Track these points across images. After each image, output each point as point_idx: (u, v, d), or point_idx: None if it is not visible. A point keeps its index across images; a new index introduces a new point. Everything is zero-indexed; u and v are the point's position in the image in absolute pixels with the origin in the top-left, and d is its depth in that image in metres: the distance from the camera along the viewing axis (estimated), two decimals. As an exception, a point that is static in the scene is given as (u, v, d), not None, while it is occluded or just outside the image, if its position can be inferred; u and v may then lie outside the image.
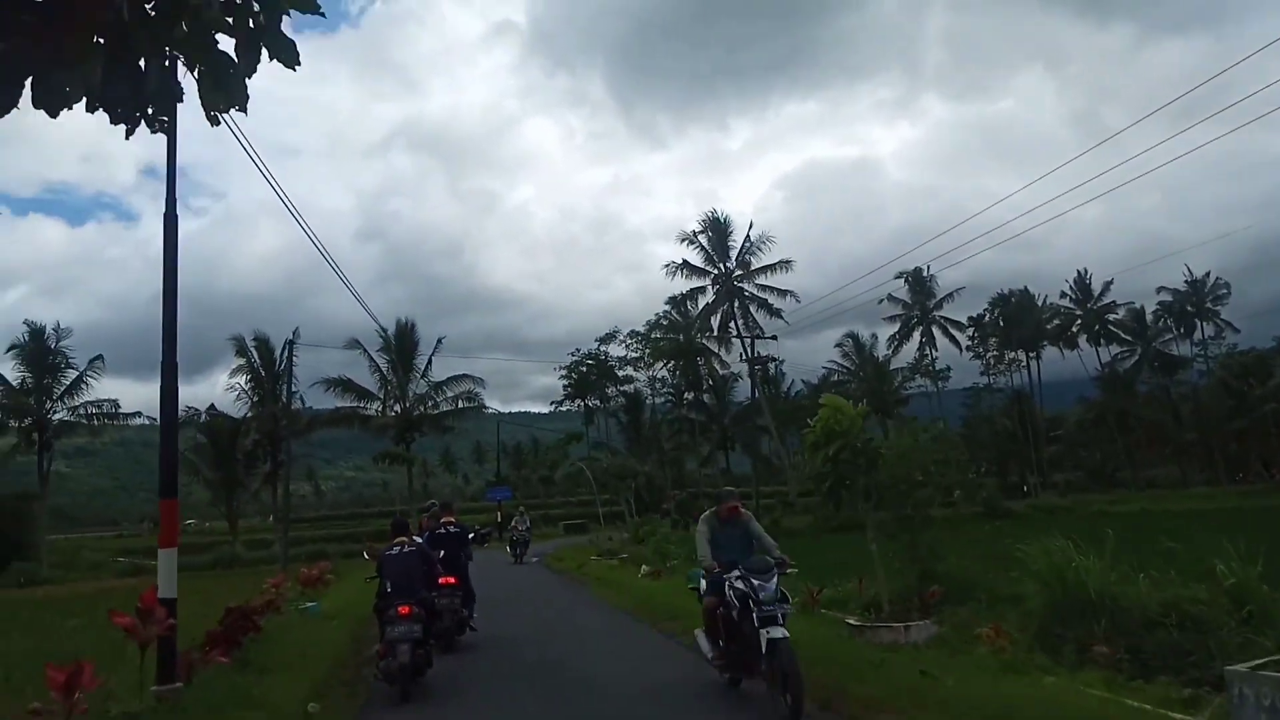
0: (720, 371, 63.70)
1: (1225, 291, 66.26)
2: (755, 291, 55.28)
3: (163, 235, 7.23)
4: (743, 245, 55.34)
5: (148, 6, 3.30)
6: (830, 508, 11.45)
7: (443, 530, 12.23)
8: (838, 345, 67.37)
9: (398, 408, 46.57)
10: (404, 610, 8.62)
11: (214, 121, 3.68)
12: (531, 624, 13.85)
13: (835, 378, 66.61)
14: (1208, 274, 66.76)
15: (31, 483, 45.41)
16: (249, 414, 45.37)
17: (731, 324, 55.69)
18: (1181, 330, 67.70)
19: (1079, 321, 68.34)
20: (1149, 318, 67.80)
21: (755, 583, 7.04)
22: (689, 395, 66.66)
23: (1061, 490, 65.38)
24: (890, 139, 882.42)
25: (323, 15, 4.09)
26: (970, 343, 70.61)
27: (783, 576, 7.39)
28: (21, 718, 5.63)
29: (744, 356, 54.60)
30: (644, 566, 20.76)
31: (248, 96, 3.61)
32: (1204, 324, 67.19)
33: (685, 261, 55.73)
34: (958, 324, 67.96)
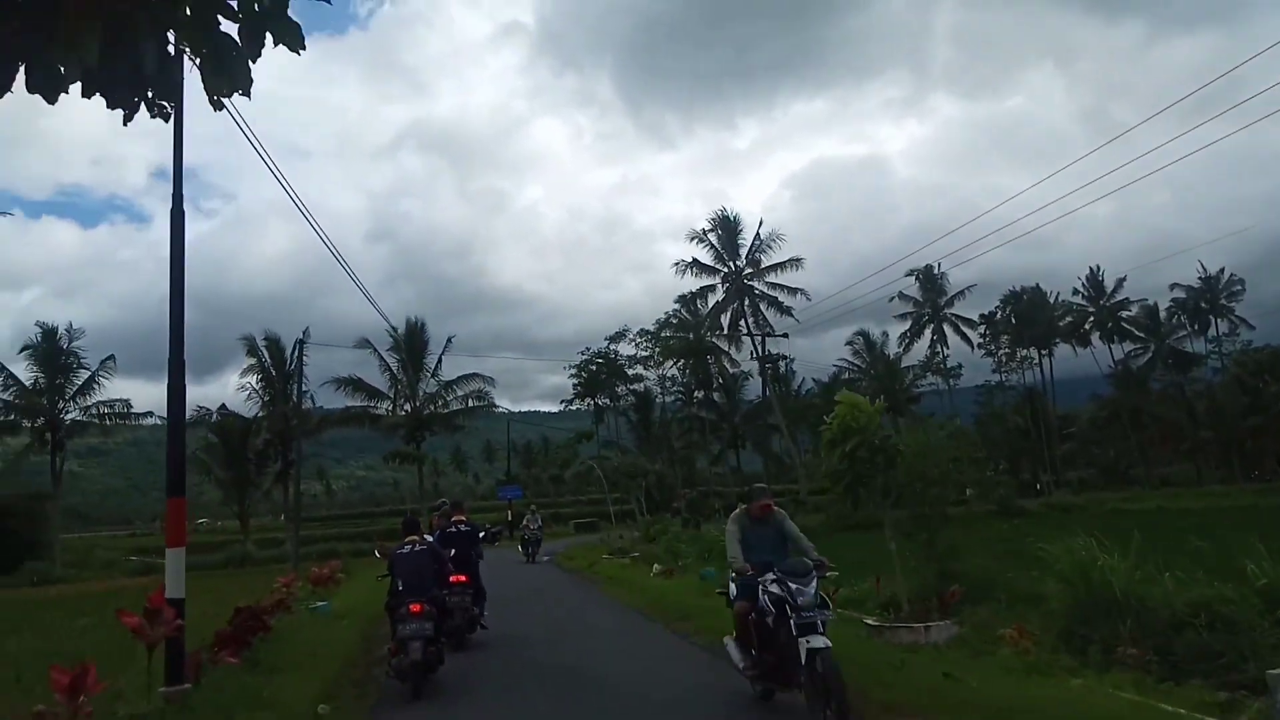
0: (730, 370, 63.57)
1: (1240, 288, 65.73)
2: (765, 290, 55.08)
3: (170, 229, 7.12)
4: (753, 243, 55.17)
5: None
6: (848, 506, 11.26)
7: (454, 529, 12.20)
8: (848, 343, 67.13)
9: (408, 407, 46.58)
10: (416, 608, 8.65)
11: (217, 106, 3.56)
12: (543, 623, 13.73)
13: (846, 375, 66.27)
14: (1222, 270, 66.26)
15: (45, 482, 45.62)
16: (260, 414, 45.42)
17: (742, 322, 55.50)
18: (1196, 327, 67.17)
19: (1091, 318, 67.86)
20: (1162, 314, 67.30)
21: (793, 586, 6.52)
22: (699, 394, 66.50)
23: (1075, 488, 64.91)
24: (899, 137, 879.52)
25: (329, 2, 3.97)
26: (982, 340, 70.18)
27: (822, 580, 6.85)
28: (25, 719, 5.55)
29: (754, 354, 54.41)
30: (655, 565, 20.62)
31: (251, 81, 3.48)
32: (1218, 320, 66.66)
33: (695, 260, 55.60)
34: (969, 321, 67.54)
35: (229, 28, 3.37)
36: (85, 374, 43.94)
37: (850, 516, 41.33)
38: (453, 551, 11.18)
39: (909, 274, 60.88)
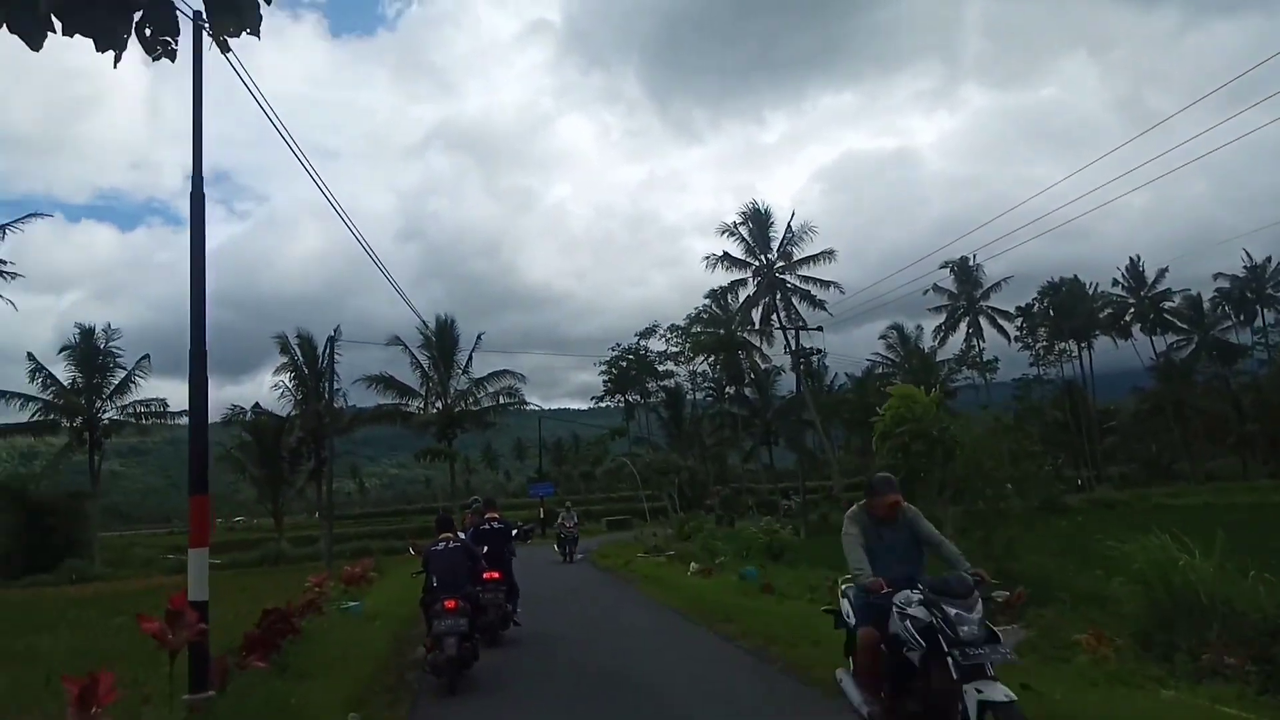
0: (762, 365, 62.86)
1: (1286, 276, 63.74)
2: (798, 283, 54.28)
3: (190, 214, 6.76)
4: (784, 236, 54.33)
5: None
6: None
7: (487, 526, 12.32)
8: (882, 337, 66.08)
9: (439, 404, 46.53)
10: (450, 604, 8.81)
11: (224, 47, 3.17)
12: (579, 622, 13.36)
13: (880, 370, 65.29)
14: (1268, 259, 64.26)
15: (85, 481, 46.17)
16: (293, 412, 45.62)
17: (774, 316, 54.77)
18: (1241, 317, 65.32)
19: (1132, 310, 66.26)
20: (1206, 305, 65.54)
21: (951, 612, 4.90)
22: (730, 389, 65.91)
23: (1116, 483, 63.42)
24: (929, 129, 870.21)
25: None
26: (1019, 333, 68.79)
27: (989, 604, 5.35)
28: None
29: (787, 349, 53.63)
30: (692, 564, 20.15)
31: (260, 18, 3.06)
32: (1264, 310, 64.77)
33: (725, 253, 54.88)
34: (1006, 314, 66.18)
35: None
36: (122, 374, 44.47)
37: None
38: (486, 549, 11.27)
39: (943, 266, 59.82)
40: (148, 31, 2.92)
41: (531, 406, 55.13)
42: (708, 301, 60.94)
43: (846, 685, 6.05)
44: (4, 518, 42.63)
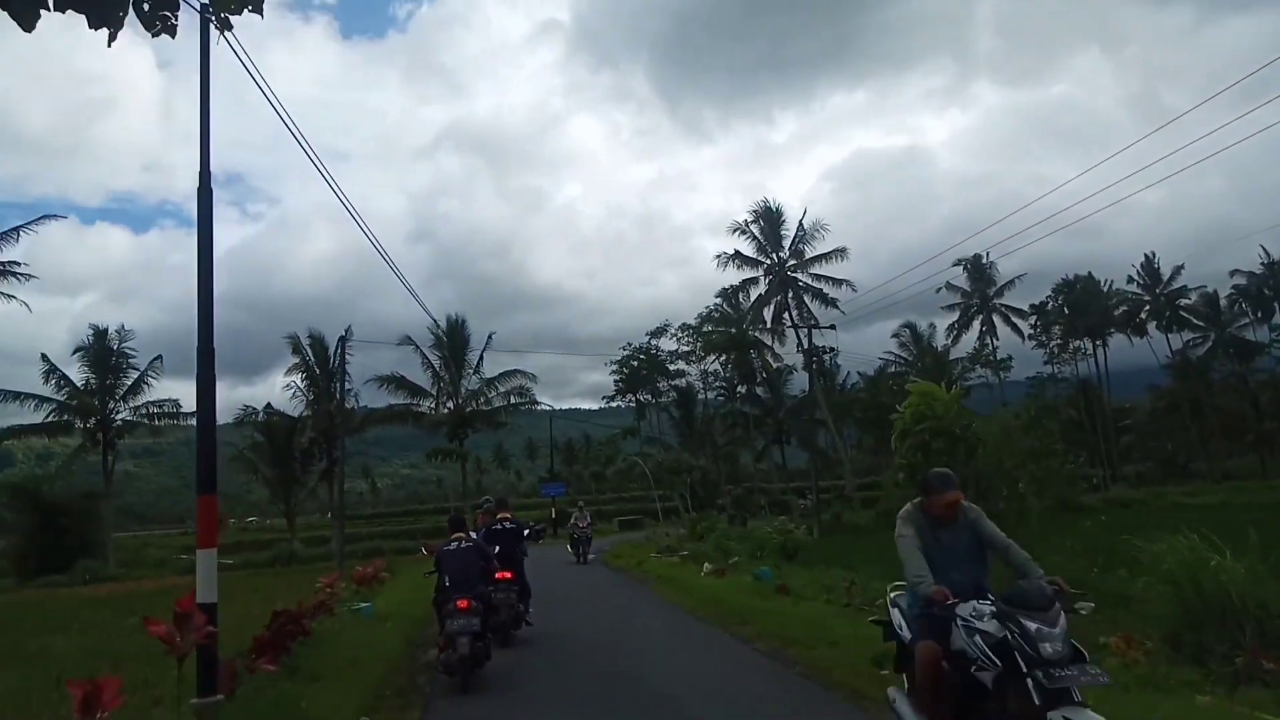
0: (774, 364, 62.61)
1: (1306, 274, 62.95)
2: (810, 281, 54.05)
3: (197, 207, 6.65)
4: (796, 234, 54.19)
5: None
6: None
7: (499, 526, 12.39)
8: (894, 335, 65.69)
9: (450, 404, 46.51)
10: (463, 604, 8.87)
11: (224, 25, 3.02)
12: (592, 624, 13.23)
13: (892, 369, 64.93)
14: (1287, 255, 63.43)
15: (99, 482, 46.36)
16: (305, 412, 45.67)
17: (785, 315, 54.53)
18: (1259, 314, 64.55)
19: (1147, 307, 65.65)
20: (1223, 302, 64.83)
21: (1031, 627, 4.28)
22: (742, 388, 65.67)
23: (1132, 482, 62.83)
24: (941, 127, 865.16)
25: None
26: (1033, 331, 68.27)
27: (1071, 614, 4.66)
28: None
29: (799, 347, 53.40)
30: (706, 565, 19.95)
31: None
32: (1282, 308, 63.98)
33: (737, 252, 54.75)
34: (1020, 312, 65.71)
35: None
36: (135, 374, 44.63)
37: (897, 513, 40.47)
38: (498, 549, 11.33)
39: (956, 263, 59.33)
40: (146, 6, 2.78)
41: (543, 406, 55.08)
42: (719, 300, 60.84)
43: (901, 707, 5.37)
44: (19, 519, 42.92)
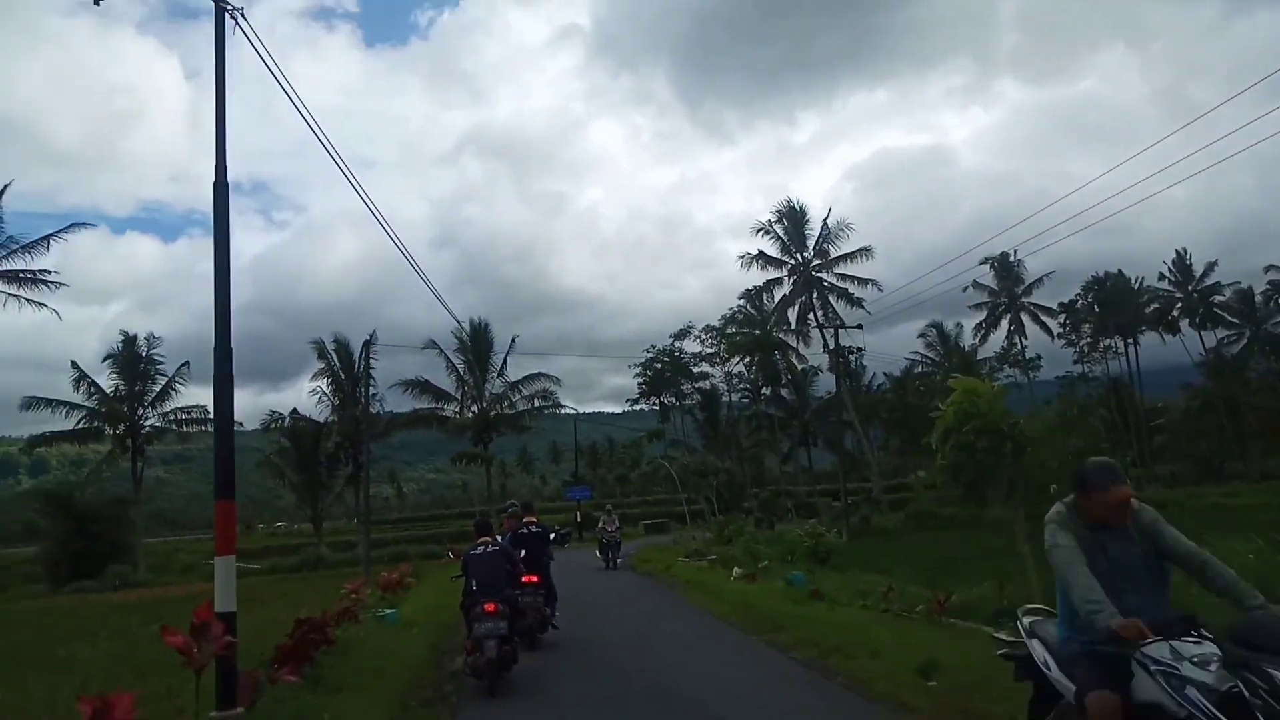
0: (799, 365, 62.07)
1: (1346, 268, 61.44)
2: (835, 281, 53.49)
3: (213, 202, 6.45)
4: (820, 233, 53.65)
5: None
6: (972, 504, 10.09)
7: (525, 530, 12.38)
8: (920, 335, 64.85)
9: (475, 408, 46.43)
10: (490, 608, 8.92)
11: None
12: (622, 630, 12.91)
13: (919, 369, 64.14)
14: (1326, 249, 62.05)
15: (130, 488, 46.78)
16: (331, 417, 45.78)
17: (810, 315, 54.00)
18: (1296, 311, 63.11)
19: (1180, 304, 64.37)
20: (1258, 298, 63.41)
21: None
22: (766, 390, 65.18)
23: (1167, 482, 61.55)
24: (964, 126, 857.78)
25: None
26: (1062, 329, 67.17)
27: None
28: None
29: (825, 348, 52.87)
30: (735, 569, 19.61)
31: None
32: (1321, 304, 62.48)
33: (761, 252, 54.28)
34: (1049, 310, 64.68)
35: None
36: (163, 381, 45.06)
37: (928, 517, 39.95)
38: (524, 553, 11.34)
39: (983, 262, 58.45)
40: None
41: (566, 410, 54.89)
42: (742, 302, 60.41)
43: None
44: (52, 525, 43.43)
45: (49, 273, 36.96)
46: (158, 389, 45.00)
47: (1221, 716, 3.22)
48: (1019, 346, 63.79)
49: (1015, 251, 58.68)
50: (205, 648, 5.71)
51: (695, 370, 66.88)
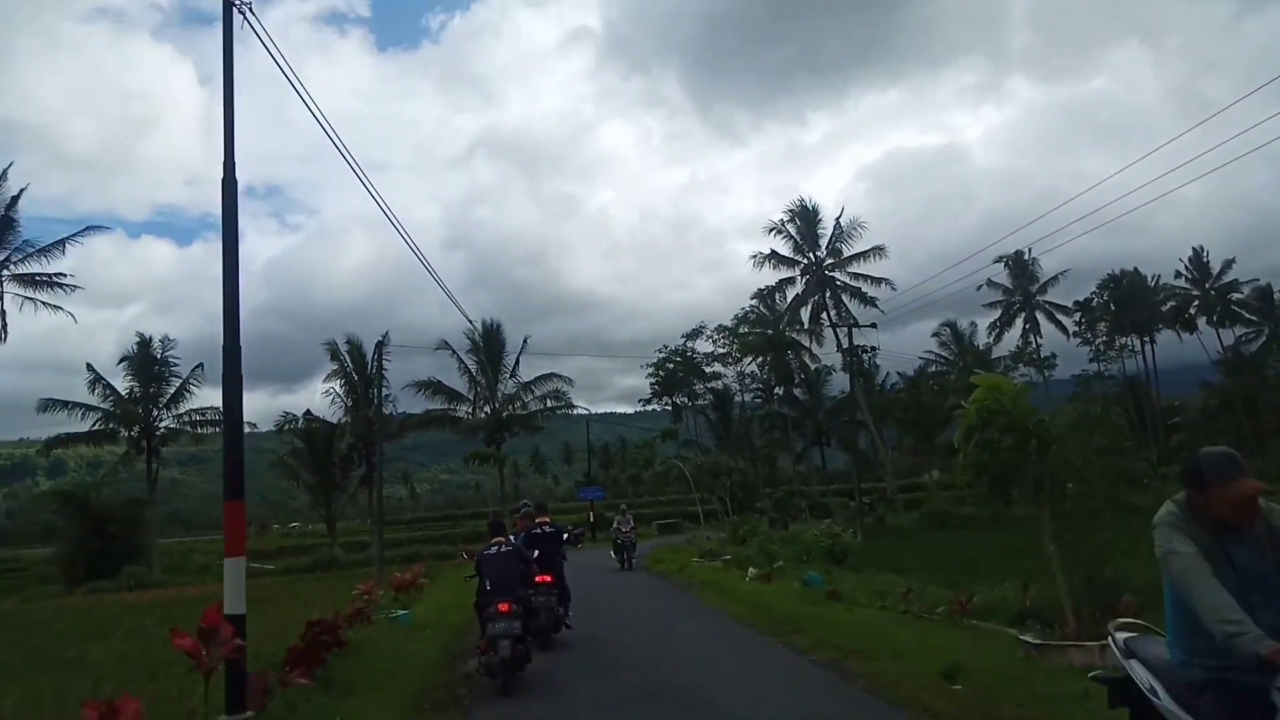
0: (812, 365, 61.79)
1: (1367, 263, 60.68)
2: (848, 280, 53.20)
3: (221, 200, 6.35)
4: (833, 232, 53.40)
5: None
6: (997, 503, 9.86)
7: (538, 530, 12.34)
8: (934, 334, 64.38)
9: (487, 409, 46.43)
10: (504, 608, 8.94)
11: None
12: (637, 631, 12.74)
13: (933, 368, 63.69)
14: (1346, 245, 61.29)
15: (145, 489, 47.02)
16: (344, 418, 45.86)
17: (824, 314, 53.74)
18: (1315, 307, 62.36)
19: (1197, 302, 63.71)
20: (1276, 296, 62.70)
21: None
22: (779, 390, 64.91)
23: (1185, 481, 60.86)
24: (976, 124, 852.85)
25: None
26: (1078, 328, 66.58)
27: None
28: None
29: (839, 347, 52.59)
30: (750, 569, 19.43)
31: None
32: (1341, 300, 61.74)
33: (773, 252, 54.08)
34: (1064, 308, 64.14)
35: None
36: (177, 383, 45.29)
37: (944, 516, 39.64)
38: (537, 553, 11.32)
39: (997, 260, 57.98)
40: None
41: (579, 410, 54.83)
42: (754, 302, 60.19)
43: None
44: (68, 525, 43.72)
45: (65, 276, 37.26)
46: (172, 391, 45.30)
47: None
48: (1034, 345, 63.33)
49: (1030, 250, 58.27)
50: (214, 651, 5.60)
51: (708, 370, 66.71)
